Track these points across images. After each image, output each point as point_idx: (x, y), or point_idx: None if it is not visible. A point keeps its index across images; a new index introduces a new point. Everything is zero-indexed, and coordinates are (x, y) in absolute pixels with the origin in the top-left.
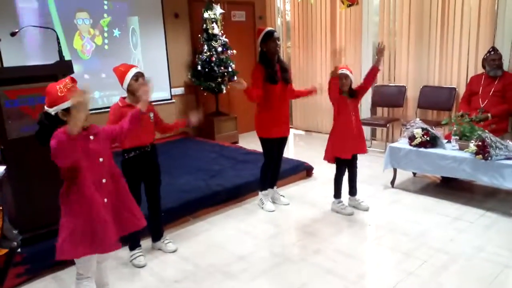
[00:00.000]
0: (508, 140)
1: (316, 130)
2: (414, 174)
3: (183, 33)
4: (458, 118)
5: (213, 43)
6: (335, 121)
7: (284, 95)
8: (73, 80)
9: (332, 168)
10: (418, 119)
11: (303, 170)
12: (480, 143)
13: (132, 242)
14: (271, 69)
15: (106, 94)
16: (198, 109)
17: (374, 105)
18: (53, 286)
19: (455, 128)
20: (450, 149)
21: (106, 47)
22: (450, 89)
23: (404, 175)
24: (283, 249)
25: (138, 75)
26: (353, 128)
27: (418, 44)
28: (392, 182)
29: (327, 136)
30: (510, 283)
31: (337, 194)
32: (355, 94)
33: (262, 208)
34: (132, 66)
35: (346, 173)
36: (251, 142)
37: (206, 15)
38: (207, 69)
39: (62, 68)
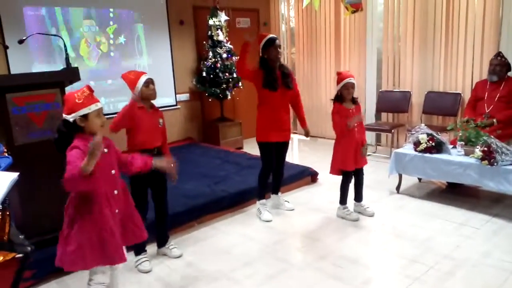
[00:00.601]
0: None
1: (321, 135)
2: (420, 179)
3: (188, 40)
4: (464, 124)
5: (218, 50)
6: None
7: (285, 101)
8: (90, 89)
9: None
10: (423, 124)
11: (308, 176)
12: (486, 148)
13: (138, 247)
14: (271, 76)
15: (112, 101)
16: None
17: (379, 110)
18: None
19: (460, 134)
20: (455, 155)
21: (112, 54)
22: (455, 94)
23: (409, 180)
24: (288, 255)
25: (149, 82)
26: (355, 139)
27: (423, 50)
28: (398, 188)
29: (332, 141)
30: None
31: (343, 200)
32: (357, 102)
33: (260, 217)
34: (142, 73)
35: (353, 180)
36: (256, 148)
37: (211, 22)
38: (212, 75)
39: (69, 75)
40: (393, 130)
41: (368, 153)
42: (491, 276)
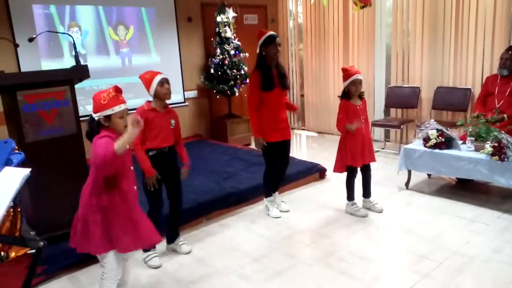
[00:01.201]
0: None
1: (329, 131)
2: (429, 175)
3: (196, 36)
4: (474, 119)
5: (226, 47)
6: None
7: (281, 100)
8: (117, 90)
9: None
10: (432, 120)
11: (316, 172)
12: (496, 144)
13: None
14: (267, 75)
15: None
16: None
17: (388, 106)
18: (69, 286)
19: (470, 129)
20: (465, 151)
21: (120, 51)
22: (465, 89)
23: (418, 176)
24: (297, 251)
25: (163, 81)
26: (362, 135)
27: (432, 45)
28: (407, 184)
29: (340, 137)
30: None
31: (350, 196)
32: (363, 97)
33: (268, 214)
34: (157, 73)
35: (360, 176)
36: None
37: (218, 18)
38: (220, 72)
39: (79, 73)
40: (402, 126)
41: (376, 149)
42: (501, 272)
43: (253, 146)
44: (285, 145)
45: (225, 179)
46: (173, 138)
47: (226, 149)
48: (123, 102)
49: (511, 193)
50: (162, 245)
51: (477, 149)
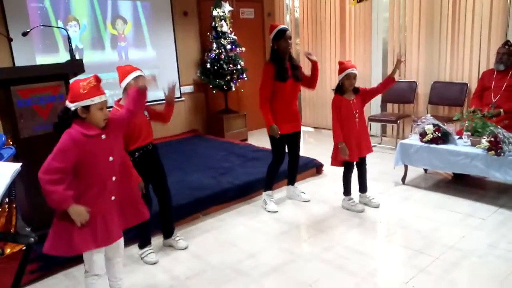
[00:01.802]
0: None
1: (326, 127)
2: (425, 170)
3: (192, 31)
4: (470, 114)
5: (222, 41)
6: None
7: (294, 93)
8: (97, 79)
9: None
10: (429, 115)
11: (313, 167)
12: (492, 139)
13: (143, 239)
14: (281, 67)
15: (116, 93)
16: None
17: (384, 101)
18: (65, 283)
19: (467, 124)
20: (462, 145)
21: (115, 45)
22: (462, 84)
23: (415, 171)
24: (294, 246)
25: (139, 78)
26: (356, 130)
27: (429, 39)
28: (403, 179)
29: None
30: None
31: (347, 191)
32: (359, 92)
33: (265, 208)
34: (136, 69)
35: (356, 171)
36: (261, 140)
37: (215, 12)
38: (216, 67)
39: (74, 67)
40: (398, 121)
41: (373, 144)
42: (497, 267)
43: (250, 141)
44: (296, 136)
45: (222, 174)
46: (152, 132)
47: (223, 144)
48: (103, 93)
49: (507, 188)
50: (158, 241)
51: (473, 144)
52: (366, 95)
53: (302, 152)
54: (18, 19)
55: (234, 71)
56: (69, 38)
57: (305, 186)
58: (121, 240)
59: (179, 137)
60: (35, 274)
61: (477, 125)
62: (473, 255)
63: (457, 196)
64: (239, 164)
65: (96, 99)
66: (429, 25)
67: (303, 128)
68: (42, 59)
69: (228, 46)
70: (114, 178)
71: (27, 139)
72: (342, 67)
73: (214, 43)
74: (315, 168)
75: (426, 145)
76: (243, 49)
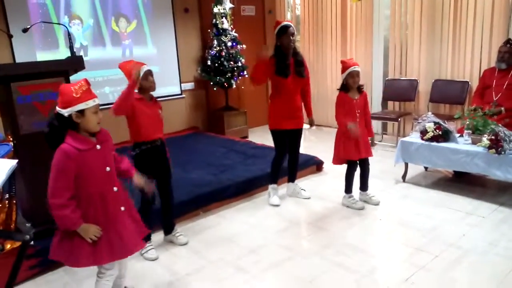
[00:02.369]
0: None
1: (326, 124)
2: (426, 168)
3: (193, 28)
4: (471, 112)
5: (223, 38)
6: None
7: (296, 89)
8: (88, 83)
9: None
10: (430, 113)
11: (313, 165)
12: (493, 137)
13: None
14: (283, 63)
15: (117, 90)
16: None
17: (385, 99)
18: (65, 278)
19: (467, 122)
20: (462, 143)
21: (115, 42)
22: (463, 82)
23: (415, 169)
24: (294, 243)
25: (147, 74)
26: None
27: (430, 37)
28: (404, 177)
29: (336, 130)
30: None
31: (348, 189)
32: (363, 93)
33: (268, 201)
34: (141, 64)
35: (359, 170)
36: (261, 137)
37: (216, 9)
38: (216, 64)
39: (74, 64)
40: (399, 119)
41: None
42: (497, 265)
43: (251, 138)
44: (297, 133)
45: (222, 171)
46: (162, 128)
47: (223, 141)
48: (96, 96)
49: (507, 186)
50: (159, 237)
51: (474, 142)
52: (366, 105)
53: (303, 149)
54: (19, 16)
55: (235, 68)
56: (69, 34)
57: (305, 183)
58: None
59: (180, 134)
60: (36, 269)
61: (478, 123)
62: (473, 253)
63: (457, 194)
64: (240, 161)
65: (90, 103)
66: (431, 23)
67: (304, 126)
68: (43, 56)
69: (229, 43)
70: (116, 189)
71: (27, 135)
72: (345, 65)
73: (215, 40)
74: (316, 165)
75: (426, 143)
76: (244, 46)
